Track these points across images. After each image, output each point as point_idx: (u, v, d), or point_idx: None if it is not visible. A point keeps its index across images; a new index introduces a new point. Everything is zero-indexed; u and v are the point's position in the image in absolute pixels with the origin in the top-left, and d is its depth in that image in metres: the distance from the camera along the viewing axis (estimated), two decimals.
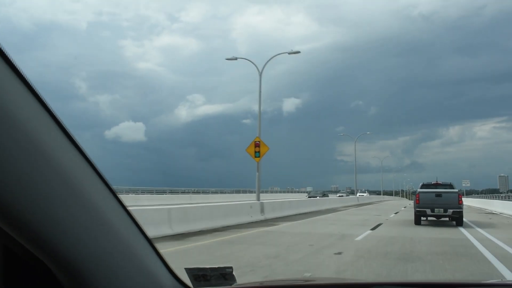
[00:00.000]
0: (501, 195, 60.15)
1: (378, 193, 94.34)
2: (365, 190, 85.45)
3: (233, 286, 1.37)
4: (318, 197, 36.64)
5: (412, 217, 16.97)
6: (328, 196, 45.20)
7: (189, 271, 1.33)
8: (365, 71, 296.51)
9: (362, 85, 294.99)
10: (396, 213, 25.56)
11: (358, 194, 59.51)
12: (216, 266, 1.37)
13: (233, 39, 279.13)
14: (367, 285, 1.60)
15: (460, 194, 16.12)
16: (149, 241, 1.03)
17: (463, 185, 60.98)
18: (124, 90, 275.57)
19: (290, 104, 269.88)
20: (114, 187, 0.87)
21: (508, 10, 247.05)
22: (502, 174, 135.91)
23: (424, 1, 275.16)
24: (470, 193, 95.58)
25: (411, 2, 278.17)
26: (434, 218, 16.60)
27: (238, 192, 58.33)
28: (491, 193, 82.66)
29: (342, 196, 56.51)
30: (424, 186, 16.91)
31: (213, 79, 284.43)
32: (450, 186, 16.70)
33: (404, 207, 35.96)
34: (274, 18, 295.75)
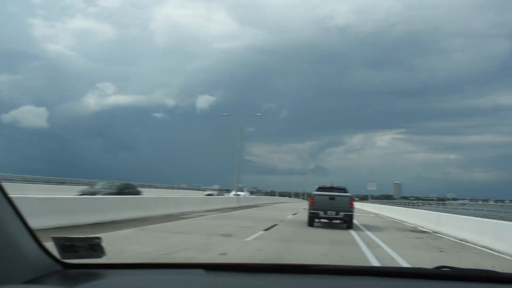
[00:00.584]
0: (395, 201, 64.65)
1: (273, 193, 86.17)
2: (245, 188, 69.51)
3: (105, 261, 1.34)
4: (98, 195, 17.14)
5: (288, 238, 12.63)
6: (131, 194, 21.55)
7: (57, 240, 1.22)
8: (281, 75, 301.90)
9: (277, 88, 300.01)
10: (267, 230, 14.46)
11: (232, 193, 44.08)
12: (85, 236, 1.29)
13: (152, 30, 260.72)
14: (302, 266, 1.62)
15: (352, 198, 16.75)
16: (22, 219, 1.07)
17: (369, 188, 55.27)
18: (29, 71, 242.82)
19: (204, 101, 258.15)
20: None
21: (414, 31, 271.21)
22: (397, 182, 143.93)
23: (340, 14, 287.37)
24: (366, 198, 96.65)
25: (328, 14, 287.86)
26: (326, 220, 16.73)
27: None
28: (386, 198, 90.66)
29: (211, 194, 44.25)
30: (319, 189, 17.45)
31: (127, 69, 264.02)
32: (344, 190, 17.32)
33: (294, 214, 25.67)
34: (196, 13, 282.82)
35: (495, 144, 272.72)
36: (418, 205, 39.81)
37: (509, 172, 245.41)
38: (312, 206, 16.47)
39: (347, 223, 16.39)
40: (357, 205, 41.82)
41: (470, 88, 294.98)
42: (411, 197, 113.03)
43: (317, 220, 16.72)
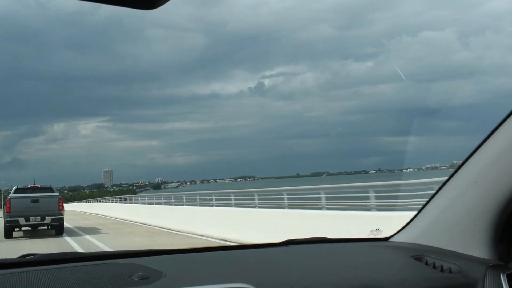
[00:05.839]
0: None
1: None
2: None
3: None
4: None
5: None
6: None
7: None
8: None
9: None
10: None
11: None
12: None
13: None
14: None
15: (61, 199, 14.76)
16: None
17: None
18: None
19: None
20: None
21: (119, 15, 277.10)
22: (107, 169, 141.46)
23: None
24: (75, 189, 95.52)
25: None
26: (30, 228, 14.67)
27: None
28: (97, 188, 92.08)
29: None
30: (18, 190, 14.80)
31: None
32: (50, 189, 15.00)
33: None
34: None
35: (192, 130, 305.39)
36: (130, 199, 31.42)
37: (202, 155, 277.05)
38: (8, 213, 13.81)
39: (57, 228, 14.41)
40: (72, 207, 39.43)
41: (171, 78, 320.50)
42: (125, 184, 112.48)
43: (17, 229, 14.26)
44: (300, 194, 12.25)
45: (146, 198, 26.20)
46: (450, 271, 1.32)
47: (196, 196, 17.87)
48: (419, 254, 1.46)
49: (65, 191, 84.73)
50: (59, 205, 14.22)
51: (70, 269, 1.28)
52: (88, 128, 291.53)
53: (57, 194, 14.99)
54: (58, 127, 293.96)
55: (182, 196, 19.82)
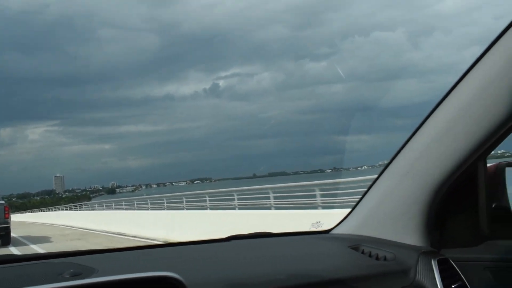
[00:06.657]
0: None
1: None
2: None
3: None
4: None
5: None
6: None
7: None
8: None
9: None
10: None
11: None
12: None
13: None
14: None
15: (6, 206, 13.89)
16: None
17: None
18: None
19: None
20: None
21: (69, 14, 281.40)
22: (58, 175, 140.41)
23: None
24: (24, 196, 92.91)
25: None
26: None
27: None
28: (48, 194, 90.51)
29: None
30: None
31: None
32: None
33: None
34: None
35: (146, 133, 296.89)
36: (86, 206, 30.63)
37: (157, 158, 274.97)
38: None
39: (3, 238, 13.53)
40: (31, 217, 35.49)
41: (124, 79, 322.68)
42: (77, 189, 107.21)
43: None
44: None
45: (104, 204, 25.27)
46: (385, 259, 1.38)
47: (163, 200, 17.91)
48: (356, 244, 1.51)
49: (14, 199, 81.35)
50: (5, 213, 13.44)
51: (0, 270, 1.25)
52: (36, 133, 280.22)
53: (3, 202, 14.33)
54: (5, 132, 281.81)
55: (146, 200, 19.44)
